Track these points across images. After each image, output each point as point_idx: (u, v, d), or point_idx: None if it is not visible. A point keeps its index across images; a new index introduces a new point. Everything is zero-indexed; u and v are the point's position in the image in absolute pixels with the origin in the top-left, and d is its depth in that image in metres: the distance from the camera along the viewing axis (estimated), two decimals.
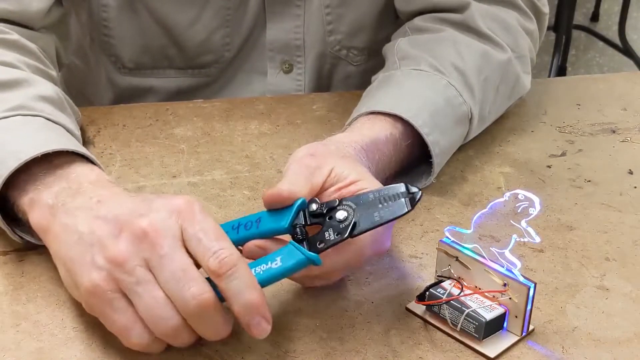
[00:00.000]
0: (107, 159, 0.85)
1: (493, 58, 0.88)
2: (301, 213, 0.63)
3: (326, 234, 0.61)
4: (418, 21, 0.92)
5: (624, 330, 0.66)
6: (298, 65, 1.01)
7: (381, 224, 0.61)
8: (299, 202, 0.63)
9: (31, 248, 0.72)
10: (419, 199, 0.61)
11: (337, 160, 0.68)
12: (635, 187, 0.83)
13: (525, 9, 0.93)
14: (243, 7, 0.97)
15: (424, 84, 0.82)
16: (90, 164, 0.70)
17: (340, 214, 0.62)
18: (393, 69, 0.86)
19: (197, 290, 0.57)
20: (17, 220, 0.70)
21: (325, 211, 0.62)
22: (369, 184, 0.66)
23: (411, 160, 0.81)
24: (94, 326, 0.64)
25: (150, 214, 0.59)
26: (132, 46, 0.99)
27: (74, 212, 0.63)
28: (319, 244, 0.61)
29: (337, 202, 0.62)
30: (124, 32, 0.98)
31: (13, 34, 0.81)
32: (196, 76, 1.01)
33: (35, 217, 0.65)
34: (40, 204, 0.65)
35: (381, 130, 0.77)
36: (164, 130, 0.90)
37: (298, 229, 0.62)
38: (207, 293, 0.57)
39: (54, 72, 0.84)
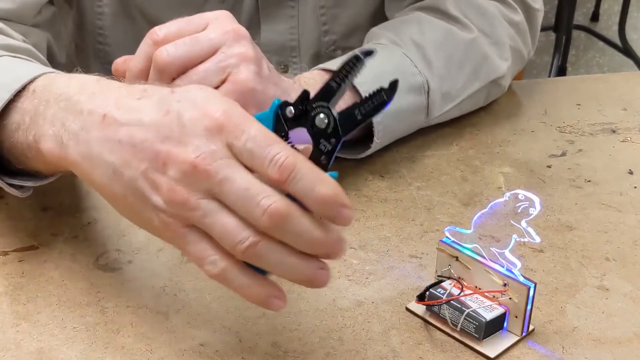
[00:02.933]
0: None
1: (457, 36, 0.89)
2: (280, 119, 0.58)
3: (321, 146, 0.57)
4: (398, 14, 0.95)
5: (624, 330, 0.66)
6: (294, 66, 1.01)
7: (364, 121, 0.57)
8: (274, 105, 0.58)
9: (31, 248, 0.72)
10: (396, 87, 0.56)
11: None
12: (635, 187, 0.83)
13: (509, 1, 0.95)
14: (237, 10, 0.97)
15: (379, 54, 0.82)
16: (66, 73, 0.67)
17: (319, 120, 0.57)
18: None
19: (265, 202, 0.53)
20: (5, 170, 0.69)
21: (303, 109, 0.57)
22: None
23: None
24: (94, 326, 0.64)
25: (188, 139, 0.55)
26: (128, 53, 0.99)
27: (83, 136, 0.59)
28: (322, 160, 0.57)
29: (307, 106, 0.57)
30: (119, 39, 0.97)
31: None
32: None
33: (47, 151, 0.62)
34: (44, 137, 0.62)
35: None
36: None
37: (291, 146, 0.57)
38: (276, 202, 0.53)
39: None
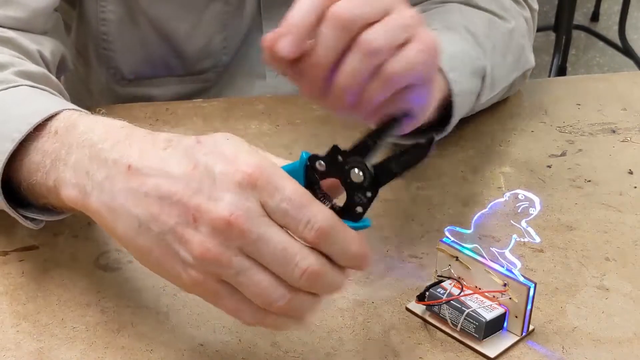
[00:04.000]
0: None
1: (499, 25, 0.88)
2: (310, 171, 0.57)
3: (355, 198, 0.57)
4: (419, 8, 0.92)
5: (624, 330, 0.66)
6: None
7: (400, 174, 0.56)
8: (303, 158, 0.57)
9: (31, 248, 0.72)
10: (432, 142, 0.55)
11: None
12: (635, 187, 0.83)
13: None
14: (240, 11, 0.97)
15: (441, 38, 0.80)
16: (90, 114, 0.66)
17: (354, 175, 0.56)
18: None
19: (304, 264, 0.53)
20: (20, 202, 0.67)
21: (335, 162, 0.56)
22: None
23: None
24: (94, 326, 0.64)
25: (220, 195, 0.53)
26: (132, 57, 0.99)
27: (108, 187, 0.57)
28: (358, 209, 0.57)
29: (342, 159, 0.57)
30: (124, 44, 0.97)
31: (9, 32, 0.79)
32: (195, 82, 1.01)
33: (67, 198, 0.60)
34: (65, 184, 0.60)
35: None
36: (164, 130, 0.90)
37: (321, 196, 0.57)
38: (314, 264, 0.53)
39: (52, 75, 0.82)
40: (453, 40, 0.82)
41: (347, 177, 0.56)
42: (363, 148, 0.56)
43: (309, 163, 0.56)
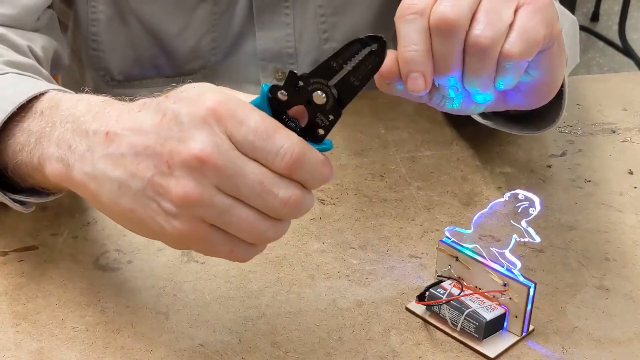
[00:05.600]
0: None
1: (567, 15, 0.86)
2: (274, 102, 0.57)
3: (318, 120, 0.56)
4: None
5: (624, 330, 0.66)
6: None
7: (363, 86, 0.56)
8: (263, 91, 0.56)
9: (31, 248, 0.72)
10: (385, 46, 0.55)
11: None
12: (635, 187, 0.83)
13: None
14: (229, 13, 0.96)
15: None
16: (74, 93, 0.66)
17: (317, 97, 0.56)
18: None
19: (284, 195, 0.54)
20: (10, 186, 0.67)
21: (297, 89, 0.56)
22: None
23: None
24: (94, 326, 0.64)
25: (188, 134, 0.54)
26: (122, 58, 0.99)
27: (89, 157, 0.58)
28: (319, 132, 0.56)
29: (303, 83, 0.56)
30: (114, 45, 0.97)
31: (0, 29, 0.79)
32: (184, 83, 1.01)
33: (51, 173, 0.61)
34: (49, 159, 0.61)
35: None
36: None
37: (291, 123, 0.56)
38: (293, 193, 0.54)
39: (42, 69, 0.82)
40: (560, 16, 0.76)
41: (309, 100, 0.56)
42: (327, 70, 0.56)
43: (270, 95, 0.56)
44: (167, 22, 0.96)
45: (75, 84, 1.06)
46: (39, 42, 0.84)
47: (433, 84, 0.61)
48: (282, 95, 0.56)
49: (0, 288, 0.68)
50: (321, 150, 0.56)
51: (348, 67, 0.55)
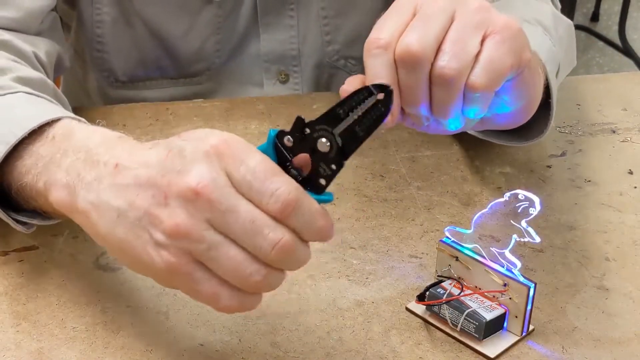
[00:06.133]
0: None
1: (561, 19, 0.85)
2: (280, 148, 0.57)
3: (320, 170, 0.56)
4: None
5: (624, 330, 0.66)
6: (294, 75, 1.01)
7: (367, 137, 0.56)
8: (270, 136, 0.57)
9: (31, 248, 0.72)
10: (391, 96, 0.55)
11: None
12: (635, 187, 0.83)
13: (558, 4, 0.92)
14: (234, 15, 0.97)
15: (529, 31, 0.73)
16: (89, 124, 0.66)
17: (321, 144, 0.56)
18: None
19: (274, 237, 0.53)
20: (13, 206, 0.67)
21: (303, 136, 0.56)
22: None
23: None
24: (94, 326, 0.64)
25: (188, 167, 0.54)
26: (126, 60, 0.99)
27: (95, 186, 0.58)
28: (321, 181, 0.56)
29: (309, 131, 0.56)
30: (119, 47, 0.97)
31: (5, 35, 0.79)
32: (188, 85, 1.01)
33: (56, 199, 0.61)
34: (56, 185, 0.60)
35: None
36: (164, 130, 0.90)
37: (293, 171, 0.56)
38: (285, 237, 0.53)
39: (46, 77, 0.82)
40: (539, 36, 0.78)
41: (314, 146, 0.56)
42: (333, 117, 0.56)
43: (277, 140, 0.56)
44: (171, 24, 0.96)
45: (78, 85, 1.06)
46: (43, 47, 0.84)
47: (403, 110, 0.61)
48: (288, 141, 0.56)
49: (0, 288, 0.68)
50: (320, 201, 0.56)
51: (354, 116, 0.55)
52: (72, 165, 0.60)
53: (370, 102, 0.55)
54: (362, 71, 1.05)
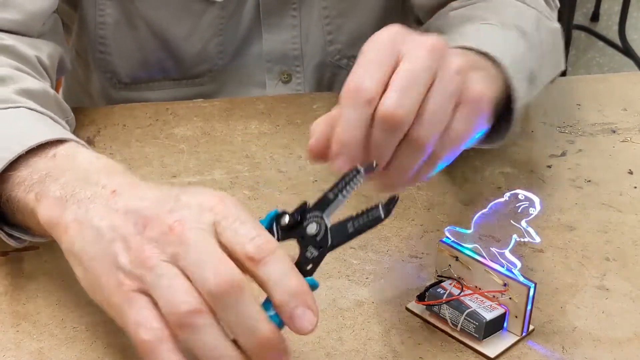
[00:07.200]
0: None
1: (546, 24, 0.86)
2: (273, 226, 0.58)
3: (307, 254, 0.57)
4: (455, 4, 0.89)
5: (624, 330, 0.66)
6: (297, 75, 1.01)
7: (356, 235, 0.57)
8: (270, 215, 0.58)
9: (31, 248, 0.72)
10: (395, 205, 0.57)
11: None
12: (635, 187, 0.83)
13: (551, 3, 0.92)
14: (237, 16, 0.97)
15: (499, 34, 0.78)
16: (92, 151, 0.66)
17: (310, 228, 0.57)
18: (458, 26, 0.81)
19: (221, 269, 0.51)
20: (5, 220, 0.67)
21: (297, 221, 0.57)
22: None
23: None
24: (94, 326, 0.64)
25: (179, 209, 0.55)
26: (129, 61, 0.99)
27: (87, 204, 0.58)
28: (307, 267, 0.57)
29: (301, 216, 0.57)
30: (121, 48, 0.97)
31: (8, 40, 0.79)
32: (191, 86, 1.01)
33: (44, 211, 0.61)
34: (47, 197, 0.61)
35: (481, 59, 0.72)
36: (164, 130, 0.90)
37: None
38: (233, 272, 0.51)
39: (47, 83, 0.82)
40: (512, 40, 0.78)
41: (304, 233, 0.57)
42: (324, 202, 0.57)
43: (275, 220, 0.58)
44: (174, 26, 0.96)
45: (79, 86, 1.06)
46: (45, 51, 0.84)
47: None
48: (283, 222, 0.57)
49: (0, 288, 0.68)
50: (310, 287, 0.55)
51: (344, 197, 0.57)
52: (69, 182, 0.61)
53: (357, 180, 0.57)
54: None
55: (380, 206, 0.57)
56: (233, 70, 1.01)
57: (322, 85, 1.03)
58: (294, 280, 0.53)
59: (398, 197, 0.57)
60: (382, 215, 0.57)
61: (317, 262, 0.56)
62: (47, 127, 0.69)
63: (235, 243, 0.53)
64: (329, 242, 0.57)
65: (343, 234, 0.57)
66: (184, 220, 0.54)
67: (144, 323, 0.53)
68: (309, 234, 0.57)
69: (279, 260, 0.53)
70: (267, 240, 0.54)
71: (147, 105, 0.95)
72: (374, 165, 0.58)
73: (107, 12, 0.95)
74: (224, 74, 1.01)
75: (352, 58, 1.01)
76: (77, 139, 0.67)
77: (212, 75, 1.00)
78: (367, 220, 0.57)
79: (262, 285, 0.53)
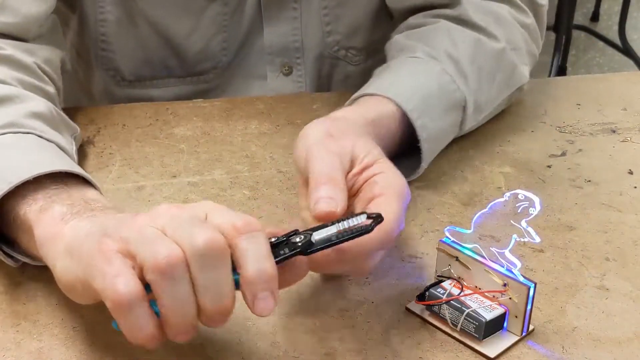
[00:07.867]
0: (107, 158, 0.85)
1: (487, 47, 0.88)
2: None
3: (281, 251, 0.58)
4: (412, 20, 0.93)
5: (624, 330, 0.66)
6: (298, 67, 1.01)
7: (337, 243, 0.59)
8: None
9: None
10: (380, 222, 0.60)
11: (355, 140, 0.68)
12: (635, 187, 0.83)
13: (519, 3, 0.94)
14: (239, 12, 0.97)
15: (419, 69, 0.83)
16: (89, 186, 0.68)
17: (295, 238, 0.58)
18: (391, 60, 0.88)
19: (210, 233, 0.54)
20: (7, 242, 0.68)
21: (283, 240, 0.59)
22: (386, 166, 0.67)
23: (405, 148, 0.81)
24: (94, 326, 0.64)
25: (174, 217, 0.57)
26: (132, 59, 0.99)
27: (89, 217, 0.61)
28: (281, 251, 0.57)
29: (294, 232, 0.59)
30: (123, 46, 0.97)
31: (7, 49, 0.79)
32: (194, 83, 1.01)
33: (43, 225, 0.62)
34: (53, 210, 0.62)
35: (384, 107, 0.78)
36: (164, 130, 0.90)
37: None
38: (222, 240, 0.54)
39: (50, 88, 0.82)
40: (431, 76, 0.83)
41: (289, 242, 0.58)
42: (318, 227, 0.60)
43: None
44: (175, 24, 0.96)
45: (78, 85, 1.06)
46: (41, 55, 0.84)
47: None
48: (270, 241, 0.58)
49: (0, 288, 0.68)
50: None
51: (343, 239, 0.59)
52: (77, 203, 0.63)
53: (359, 219, 0.59)
54: (362, 61, 1.06)
55: (369, 226, 0.59)
56: (236, 65, 1.01)
57: (321, 77, 1.03)
58: (269, 263, 0.55)
59: (382, 217, 0.60)
60: (370, 229, 0.59)
61: (283, 257, 0.57)
62: (50, 157, 0.70)
63: (223, 222, 0.55)
64: (301, 247, 0.58)
65: (327, 240, 0.59)
66: (177, 214, 0.56)
67: (122, 276, 0.53)
68: (292, 242, 0.58)
69: (261, 240, 0.55)
70: (255, 221, 0.56)
71: (147, 105, 0.95)
72: (380, 216, 0.60)
73: (107, 9, 0.95)
74: (228, 70, 1.01)
75: (350, 49, 1.02)
76: (84, 173, 0.68)
77: (216, 72, 1.00)
78: (351, 235, 0.59)
79: (238, 256, 0.54)
